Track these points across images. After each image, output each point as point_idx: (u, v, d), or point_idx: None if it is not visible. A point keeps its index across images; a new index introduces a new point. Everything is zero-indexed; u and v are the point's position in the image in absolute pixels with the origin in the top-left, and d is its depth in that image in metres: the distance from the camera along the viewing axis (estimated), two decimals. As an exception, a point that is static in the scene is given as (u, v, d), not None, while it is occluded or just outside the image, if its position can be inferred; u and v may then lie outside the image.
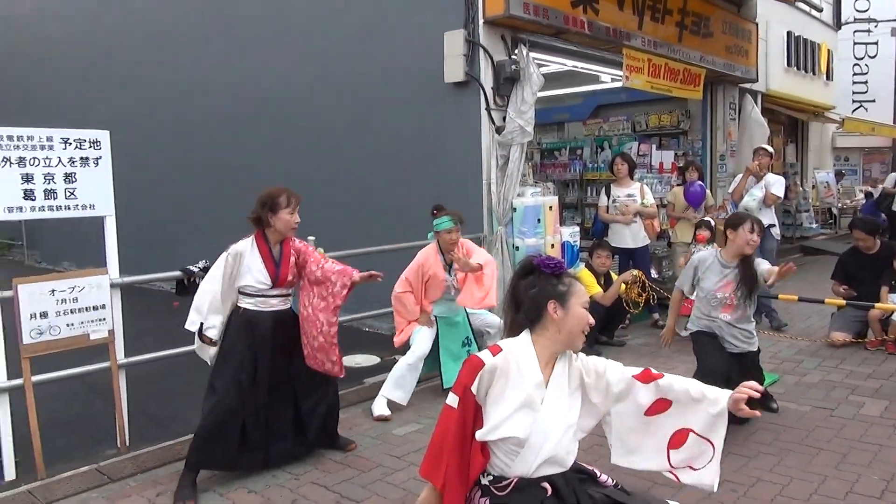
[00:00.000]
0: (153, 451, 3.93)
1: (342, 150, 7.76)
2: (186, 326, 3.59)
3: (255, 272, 3.58)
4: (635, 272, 6.04)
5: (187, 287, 4.42)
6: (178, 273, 4.41)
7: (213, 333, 3.58)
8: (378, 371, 5.49)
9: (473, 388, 1.94)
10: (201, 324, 3.55)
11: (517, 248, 6.22)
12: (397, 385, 4.58)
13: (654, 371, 2.19)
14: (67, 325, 3.78)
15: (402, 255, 5.73)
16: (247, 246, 3.61)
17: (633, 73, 7.45)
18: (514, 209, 6.26)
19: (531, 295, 2.05)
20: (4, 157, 3.75)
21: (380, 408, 4.51)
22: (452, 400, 1.99)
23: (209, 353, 3.67)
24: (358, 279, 3.60)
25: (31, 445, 3.65)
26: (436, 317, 4.88)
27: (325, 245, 4.50)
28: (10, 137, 3.79)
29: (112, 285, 4.00)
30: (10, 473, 3.68)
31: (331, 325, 3.61)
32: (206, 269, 4.39)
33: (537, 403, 1.97)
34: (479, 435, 1.95)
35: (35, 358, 3.69)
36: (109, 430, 4.09)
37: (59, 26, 12.62)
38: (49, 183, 3.93)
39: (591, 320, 2.10)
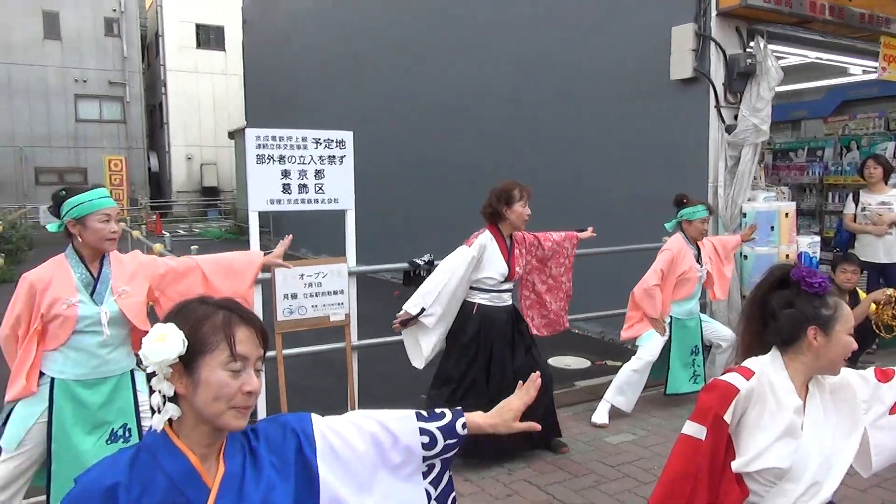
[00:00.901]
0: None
1: (562, 149, 7.76)
2: (406, 308, 3.78)
3: (496, 264, 3.71)
4: (889, 291, 5.30)
5: (412, 279, 4.71)
6: (405, 265, 4.71)
7: (430, 321, 3.74)
8: (589, 375, 5.41)
9: (727, 417, 1.78)
10: (422, 308, 3.72)
11: (746, 257, 5.77)
12: (621, 391, 4.45)
13: (885, 368, 1.95)
14: (312, 307, 4.21)
15: (624, 258, 5.60)
16: (487, 239, 3.75)
17: (891, 63, 6.55)
18: (744, 214, 5.81)
19: (787, 314, 1.83)
20: (269, 156, 4.27)
21: (601, 415, 4.42)
22: (697, 430, 1.80)
23: (423, 346, 3.82)
24: (583, 236, 4.29)
25: (278, 410, 4.12)
26: (671, 317, 4.57)
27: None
28: (273, 138, 4.31)
29: (350, 273, 4.38)
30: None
31: (570, 281, 4.22)
32: (430, 263, 4.65)
33: (798, 430, 1.79)
34: (737, 466, 1.80)
35: (283, 334, 4.16)
36: (341, 404, 4.49)
37: (309, 38, 14.10)
38: (302, 178, 4.39)
39: (855, 346, 1.86)
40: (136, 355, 2.71)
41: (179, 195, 29.02)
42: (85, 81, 28.01)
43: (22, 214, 16.69)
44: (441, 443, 1.53)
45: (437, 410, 1.59)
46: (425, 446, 1.52)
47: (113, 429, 2.66)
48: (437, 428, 1.54)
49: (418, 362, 3.91)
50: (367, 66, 11.69)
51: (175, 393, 1.25)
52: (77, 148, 28.02)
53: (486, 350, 3.71)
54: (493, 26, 8.63)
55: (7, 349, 2.59)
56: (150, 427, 1.28)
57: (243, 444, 1.34)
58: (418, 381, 5.28)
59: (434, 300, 3.70)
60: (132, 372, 2.77)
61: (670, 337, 4.53)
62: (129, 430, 2.70)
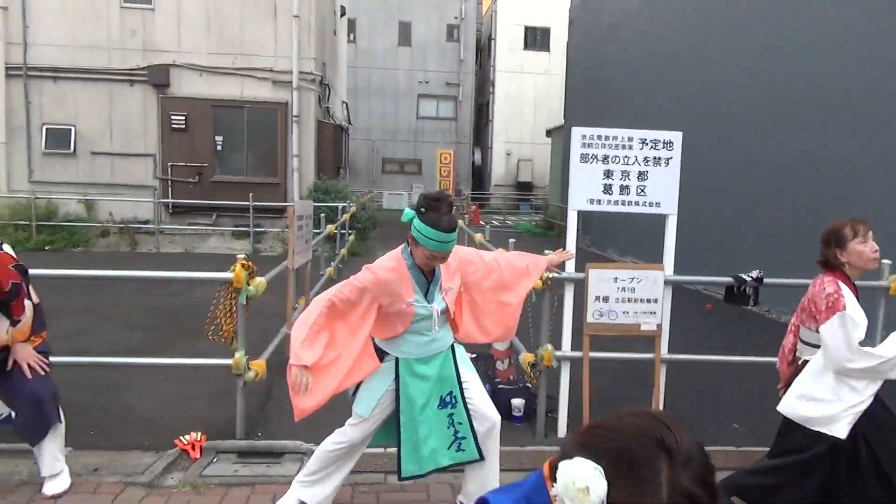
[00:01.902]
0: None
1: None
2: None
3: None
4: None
5: (736, 296, 4.28)
6: (728, 279, 4.30)
7: None
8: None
9: None
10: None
11: None
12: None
13: None
14: (623, 313, 4.07)
15: None
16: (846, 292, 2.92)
17: None
18: None
19: None
20: (593, 155, 4.23)
21: None
22: None
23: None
24: None
25: (580, 412, 4.08)
26: None
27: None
28: (598, 137, 4.24)
29: (666, 282, 4.14)
30: (562, 431, 4.19)
31: None
32: (759, 280, 4.17)
33: None
34: None
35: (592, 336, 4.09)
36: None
37: (632, 37, 13.82)
38: (624, 179, 4.26)
39: None
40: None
41: (496, 188, 30.96)
42: (427, 83, 31.47)
43: (370, 198, 19.36)
44: None
45: None
46: None
47: (441, 396, 2.98)
48: None
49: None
50: (688, 65, 11.01)
51: None
52: (416, 142, 31.66)
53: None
54: (832, 20, 7.42)
55: (313, 311, 2.84)
56: None
57: None
58: (732, 403, 4.83)
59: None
60: (452, 346, 3.06)
61: None
62: (454, 396, 3.00)
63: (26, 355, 3.19)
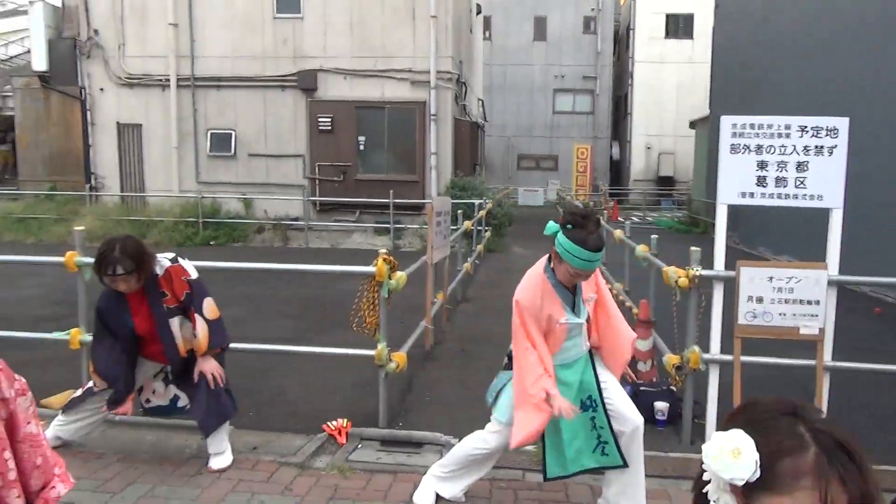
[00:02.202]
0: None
1: None
2: None
3: None
4: None
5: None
6: (905, 280, 3.87)
7: None
8: None
9: None
10: None
11: None
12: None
13: None
14: (780, 315, 3.78)
15: None
16: None
17: None
18: None
19: None
20: (745, 145, 3.96)
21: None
22: None
23: None
24: None
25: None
26: None
27: None
28: (751, 126, 3.96)
29: (829, 282, 3.80)
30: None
31: None
32: (944, 281, 3.72)
33: None
34: None
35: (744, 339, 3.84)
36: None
37: (787, 19, 12.80)
38: (781, 171, 3.95)
39: None
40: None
41: (636, 183, 29.92)
42: (563, 77, 31.04)
43: (505, 194, 19.40)
44: None
45: None
46: None
47: (582, 400, 2.93)
48: None
49: None
50: (855, 45, 10.00)
51: None
52: (552, 137, 31.34)
53: None
54: None
55: (531, 363, 2.81)
56: None
57: None
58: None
59: None
60: (590, 352, 3.01)
61: None
62: (594, 400, 2.94)
63: (210, 368, 3.49)
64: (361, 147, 14.25)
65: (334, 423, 4.07)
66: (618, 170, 32.13)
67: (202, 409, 3.50)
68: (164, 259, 3.43)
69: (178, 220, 13.71)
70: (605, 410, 2.92)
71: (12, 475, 1.36)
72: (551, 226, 2.75)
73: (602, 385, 2.95)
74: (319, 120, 14.08)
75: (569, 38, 30.97)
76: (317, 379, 5.14)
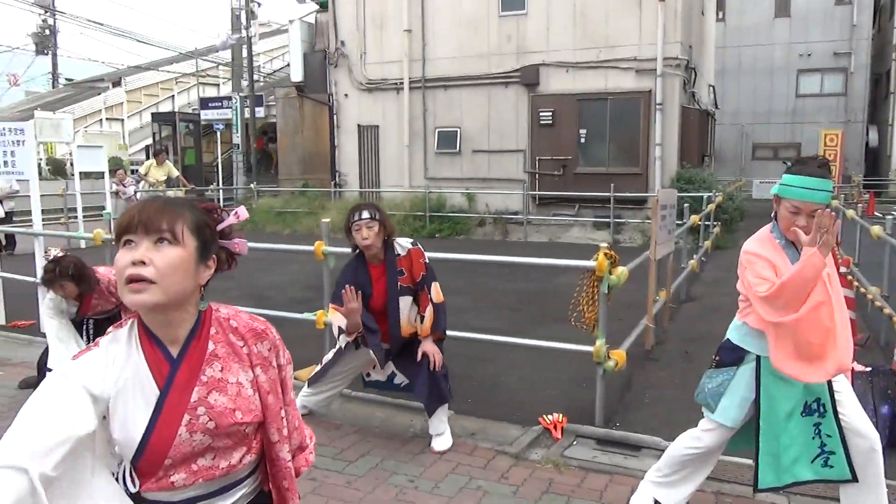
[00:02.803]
0: None
1: None
2: None
3: None
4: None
5: None
6: None
7: None
8: None
9: None
10: None
11: None
12: None
13: None
14: None
15: None
16: None
17: None
18: None
19: None
20: None
21: None
22: None
23: None
24: None
25: None
26: None
27: None
28: None
29: None
30: None
31: None
32: None
33: None
34: None
35: None
36: None
37: None
38: None
39: None
40: None
41: (899, 173, 25.89)
42: (809, 55, 27.79)
43: (738, 187, 17.93)
44: None
45: None
46: None
47: (807, 402, 2.61)
48: None
49: None
50: None
51: None
52: (793, 123, 28.25)
53: None
54: None
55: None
56: None
57: None
58: None
59: None
60: None
61: None
62: (823, 405, 2.59)
63: (432, 349, 3.72)
64: (582, 140, 14.07)
65: (550, 416, 4.08)
66: (875, 158, 28.00)
67: (424, 390, 3.71)
68: (405, 241, 3.75)
69: (407, 213, 14.68)
70: (837, 418, 2.57)
71: (285, 432, 1.56)
72: (775, 187, 2.57)
73: (836, 394, 2.59)
74: (541, 114, 14.16)
75: (817, 10, 27.58)
76: (533, 371, 5.20)
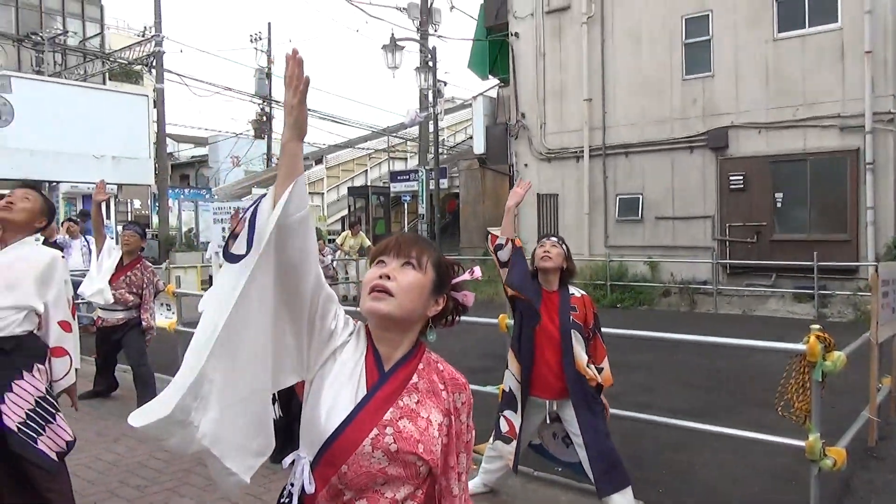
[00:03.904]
0: None
1: None
2: None
3: None
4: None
5: None
6: None
7: None
8: None
9: None
10: None
11: None
12: None
13: None
14: None
15: None
16: None
17: None
18: None
19: None
20: None
21: None
22: None
23: None
24: None
25: None
26: None
27: None
28: None
29: None
30: None
31: None
32: None
33: None
34: None
35: None
36: None
37: None
38: None
39: None
40: None
41: None
42: None
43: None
44: None
45: None
46: None
47: None
48: None
49: None
50: None
51: None
52: None
53: None
54: None
55: None
56: None
57: None
58: None
59: None
60: None
61: None
62: None
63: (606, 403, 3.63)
64: (778, 205, 13.04)
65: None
66: None
67: (599, 472, 3.47)
68: (574, 289, 3.74)
69: (587, 282, 14.40)
70: None
71: (457, 491, 1.59)
72: None
73: None
74: (731, 178, 13.38)
75: None
76: (730, 461, 4.73)
